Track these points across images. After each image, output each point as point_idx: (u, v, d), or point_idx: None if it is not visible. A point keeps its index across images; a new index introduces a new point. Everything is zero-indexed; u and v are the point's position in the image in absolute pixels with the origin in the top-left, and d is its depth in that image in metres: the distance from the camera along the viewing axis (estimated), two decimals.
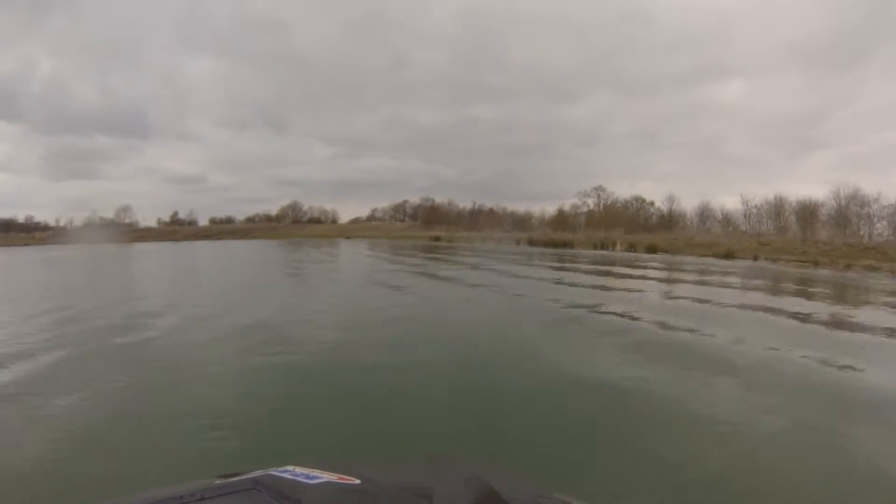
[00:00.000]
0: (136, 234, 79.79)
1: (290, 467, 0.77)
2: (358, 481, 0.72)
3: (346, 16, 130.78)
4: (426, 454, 1.16)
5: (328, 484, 0.71)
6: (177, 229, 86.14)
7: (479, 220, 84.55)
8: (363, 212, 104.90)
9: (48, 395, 4.94)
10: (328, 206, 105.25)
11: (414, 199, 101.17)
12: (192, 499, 0.63)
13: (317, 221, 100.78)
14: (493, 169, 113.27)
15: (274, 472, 0.75)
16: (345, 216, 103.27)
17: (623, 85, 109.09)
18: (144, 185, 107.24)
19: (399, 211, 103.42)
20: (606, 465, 3.46)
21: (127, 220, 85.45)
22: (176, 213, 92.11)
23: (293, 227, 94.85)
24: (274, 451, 3.55)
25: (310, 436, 3.91)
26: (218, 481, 0.72)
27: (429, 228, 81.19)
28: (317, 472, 0.75)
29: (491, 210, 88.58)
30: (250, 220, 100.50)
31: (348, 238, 75.35)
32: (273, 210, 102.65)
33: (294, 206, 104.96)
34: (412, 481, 0.78)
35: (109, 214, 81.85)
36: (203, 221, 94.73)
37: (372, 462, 0.89)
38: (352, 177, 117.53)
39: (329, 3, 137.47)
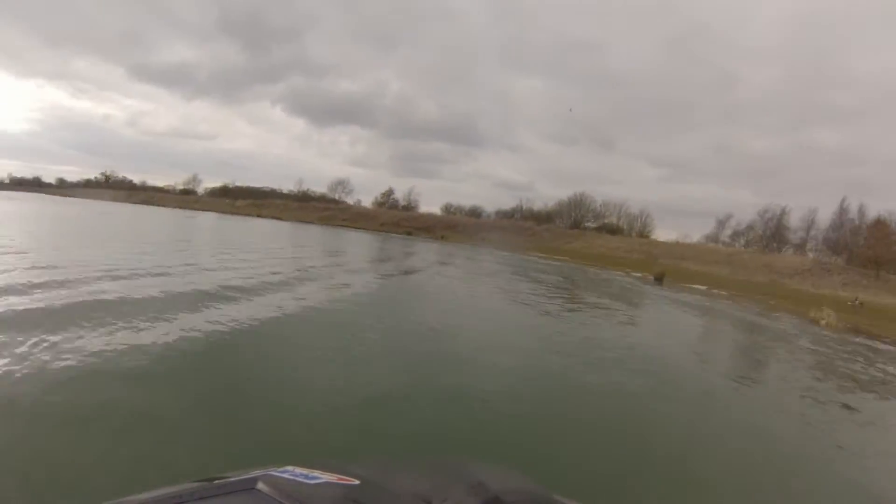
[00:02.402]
0: (326, 213, 56.08)
1: (289, 467, 0.75)
2: (357, 482, 0.71)
3: (666, 33, 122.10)
4: (427, 455, 1.09)
5: (328, 484, 0.70)
6: (375, 212, 57.88)
7: None
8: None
9: None
10: (634, 209, 60.51)
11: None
12: (191, 498, 0.62)
13: (613, 231, 57.43)
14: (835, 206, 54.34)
15: (273, 472, 0.73)
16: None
17: None
18: (476, 187, 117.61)
19: (751, 232, 51.43)
20: None
21: (339, 196, 65.79)
22: (390, 191, 64.94)
23: (564, 234, 54.05)
24: None
25: None
26: (217, 481, 0.70)
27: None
28: (316, 473, 0.73)
29: None
30: (507, 215, 64.30)
31: (660, 279, 28.24)
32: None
33: (578, 202, 63.66)
34: (412, 482, 0.76)
35: None
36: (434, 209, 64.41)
37: (372, 463, 0.86)
38: (676, 202, 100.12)
39: (647, 21, 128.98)
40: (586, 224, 61.58)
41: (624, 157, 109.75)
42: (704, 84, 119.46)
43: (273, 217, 53.88)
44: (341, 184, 66.88)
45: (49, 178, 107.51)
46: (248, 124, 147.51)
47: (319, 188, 68.24)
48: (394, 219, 53.63)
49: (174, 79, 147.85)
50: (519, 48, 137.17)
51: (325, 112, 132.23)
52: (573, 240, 50.98)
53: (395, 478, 0.77)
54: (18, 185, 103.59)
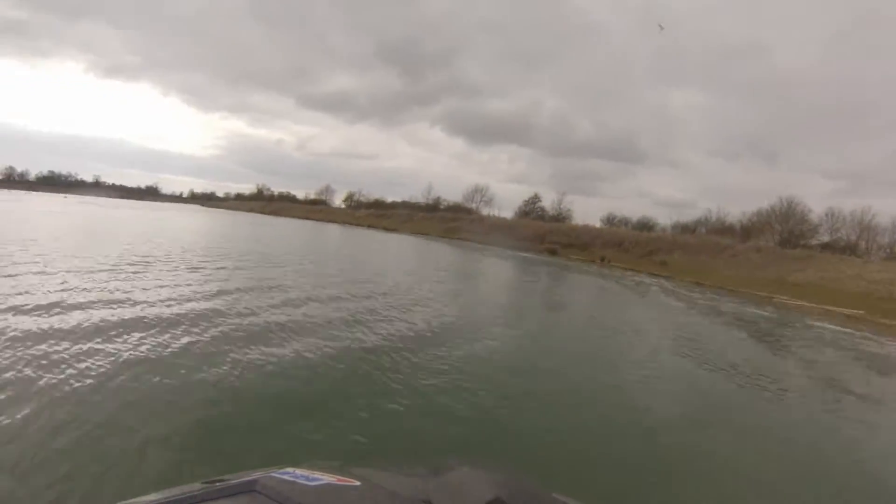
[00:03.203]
0: (452, 224, 46.41)
1: (290, 469, 0.76)
2: (358, 483, 0.72)
3: (833, 26, 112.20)
4: (427, 456, 1.01)
5: (328, 486, 0.70)
6: (514, 224, 46.04)
7: None
8: None
9: None
10: (883, 219, 41.85)
11: None
12: (192, 501, 0.63)
13: (849, 251, 39.98)
14: None
15: (274, 473, 0.73)
16: None
17: None
18: (637, 205, 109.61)
19: None
20: None
21: (477, 206, 56.60)
22: (535, 197, 52.80)
23: (782, 256, 37.55)
24: None
25: None
26: (218, 483, 0.71)
27: None
28: (317, 474, 0.74)
29: None
30: (686, 228, 49.63)
31: None
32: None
33: (787, 212, 47.55)
34: (412, 483, 0.76)
35: None
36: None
37: (372, 464, 0.87)
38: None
39: (809, 14, 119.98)
40: (803, 242, 43.96)
41: (793, 171, 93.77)
42: (881, 80, 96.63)
43: (387, 229, 46.67)
44: (479, 191, 57.34)
45: (223, 193, 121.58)
46: (408, 145, 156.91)
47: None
48: (537, 232, 41.41)
49: (337, 105, 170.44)
50: (671, 59, 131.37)
51: (483, 131, 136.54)
52: (803, 265, 34.19)
53: (395, 479, 0.76)
54: (194, 199, 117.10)
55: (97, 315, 5.99)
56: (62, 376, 4.11)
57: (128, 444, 3.18)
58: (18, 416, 3.40)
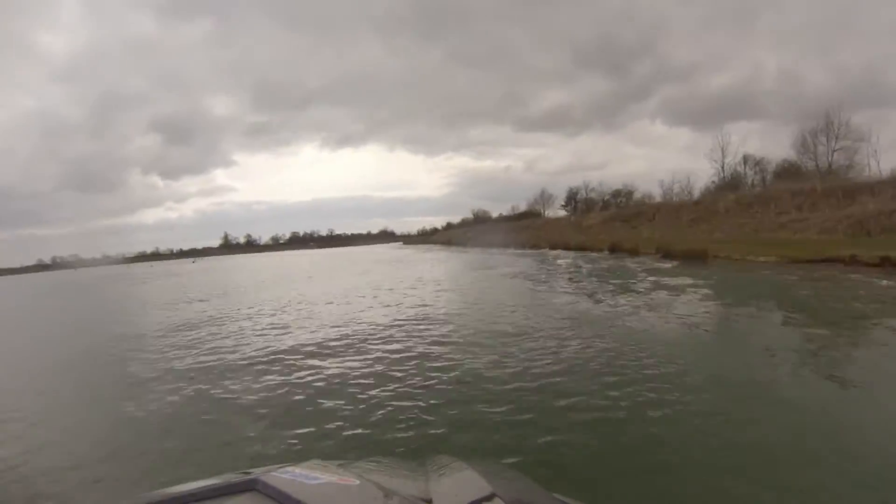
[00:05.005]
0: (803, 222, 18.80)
1: (289, 468, 0.75)
2: (357, 482, 0.71)
3: None
4: (425, 456, 1.07)
5: (327, 485, 0.70)
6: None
7: None
8: None
9: None
10: None
11: None
12: (192, 499, 0.63)
13: None
14: None
15: (273, 472, 0.72)
16: None
17: None
18: None
19: None
20: None
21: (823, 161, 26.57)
22: None
23: None
24: None
25: None
26: (217, 482, 0.70)
27: None
28: (316, 473, 0.73)
29: None
30: None
31: None
32: None
33: None
34: (411, 482, 0.76)
35: None
36: None
37: (371, 463, 0.88)
38: None
39: None
40: None
41: None
42: None
43: (629, 251, 21.27)
44: (819, 133, 27.55)
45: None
46: (633, 146, 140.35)
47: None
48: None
49: (553, 122, 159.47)
50: None
51: (704, 113, 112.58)
52: None
53: (394, 478, 0.76)
54: (417, 236, 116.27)
55: None
56: None
57: None
58: None
